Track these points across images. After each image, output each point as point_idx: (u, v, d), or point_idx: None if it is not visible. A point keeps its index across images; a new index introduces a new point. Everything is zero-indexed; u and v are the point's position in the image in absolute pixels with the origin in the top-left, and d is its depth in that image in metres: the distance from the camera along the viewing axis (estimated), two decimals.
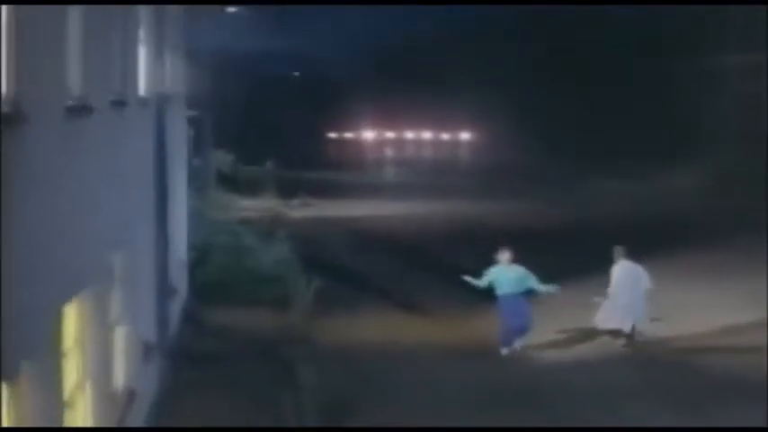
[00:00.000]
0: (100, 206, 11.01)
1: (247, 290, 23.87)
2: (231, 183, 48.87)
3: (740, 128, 55.06)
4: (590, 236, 33.19)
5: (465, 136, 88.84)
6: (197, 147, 48.36)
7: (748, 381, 17.72)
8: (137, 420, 13.67)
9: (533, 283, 19.84)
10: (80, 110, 9.81)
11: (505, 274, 19.70)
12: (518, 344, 19.75)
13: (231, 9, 46.35)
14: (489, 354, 19.74)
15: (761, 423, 15.41)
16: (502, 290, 19.70)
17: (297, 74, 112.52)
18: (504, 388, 17.65)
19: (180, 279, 22.43)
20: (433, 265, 29.21)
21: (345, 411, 16.14)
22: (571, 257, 28.05)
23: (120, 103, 12.68)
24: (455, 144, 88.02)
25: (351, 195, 50.14)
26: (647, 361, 19.32)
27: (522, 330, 19.71)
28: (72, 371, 10.02)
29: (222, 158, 56.65)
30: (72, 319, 9.94)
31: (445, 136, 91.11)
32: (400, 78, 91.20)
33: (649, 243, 27.74)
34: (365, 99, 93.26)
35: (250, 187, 48.05)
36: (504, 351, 19.64)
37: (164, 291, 17.65)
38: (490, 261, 20.15)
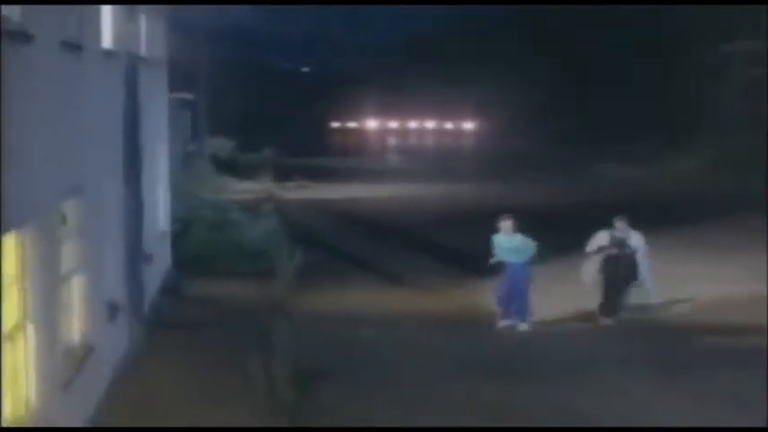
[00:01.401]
0: (44, 146, 10.59)
1: (230, 262, 23.62)
2: (228, 167, 48.47)
3: (741, 113, 54.73)
4: (591, 214, 32.62)
5: (468, 125, 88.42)
6: (194, 129, 48.21)
7: (740, 349, 17.42)
8: (96, 377, 13.29)
9: (533, 251, 19.00)
10: (17, 36, 9.39)
11: (507, 242, 18.95)
12: (520, 321, 18.87)
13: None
14: (471, 322, 19.41)
15: (746, 387, 14.94)
16: (507, 258, 18.92)
17: (306, 69, 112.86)
18: (484, 354, 17.30)
19: (161, 250, 22.12)
20: (424, 243, 28.91)
21: (319, 374, 15.75)
22: (570, 233, 27.52)
23: (73, 46, 12.28)
24: (459, 133, 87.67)
25: (349, 179, 49.67)
26: (635, 330, 18.81)
27: (519, 300, 18.81)
28: (12, 309, 9.63)
29: (221, 144, 56.34)
30: (10, 254, 9.54)
31: (449, 125, 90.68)
32: (404, 69, 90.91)
33: (648, 220, 27.14)
34: (368, 90, 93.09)
35: (247, 171, 47.70)
36: (502, 323, 18.91)
37: (136, 254, 17.25)
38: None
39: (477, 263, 21.52)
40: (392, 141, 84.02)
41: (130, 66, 16.93)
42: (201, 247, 24.23)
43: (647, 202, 37.02)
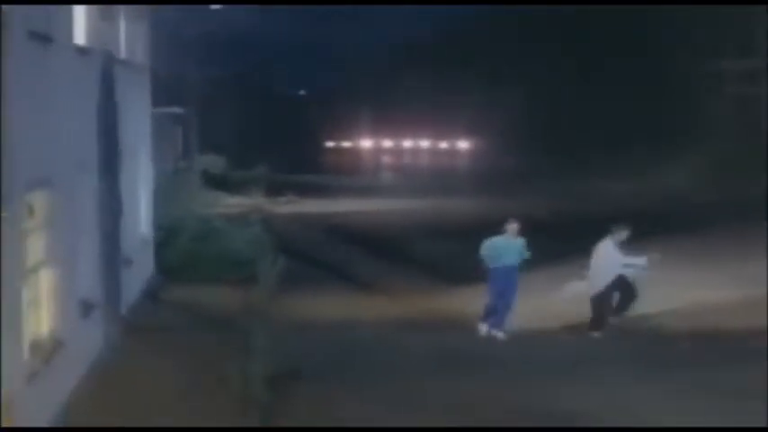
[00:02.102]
0: (8, 134, 10.49)
1: (213, 270, 23.51)
2: (219, 183, 48.43)
3: (732, 128, 54.87)
4: (584, 224, 32.44)
5: (463, 144, 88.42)
6: (185, 145, 48.22)
7: (720, 348, 17.44)
8: (65, 372, 13.17)
9: (526, 257, 18.68)
10: None
11: (511, 245, 18.60)
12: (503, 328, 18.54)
13: (215, 6, 46.12)
14: (445, 326, 19.45)
15: (728, 385, 14.79)
16: (501, 262, 18.55)
17: (302, 92, 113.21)
18: (455, 355, 17.22)
19: (143, 256, 22.07)
20: (406, 255, 28.84)
21: (294, 374, 15.63)
22: (562, 240, 27.44)
23: (42, 38, 12.20)
24: (453, 152, 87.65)
25: (340, 195, 49.64)
26: (620, 332, 18.64)
27: (509, 305, 18.57)
28: None
29: (213, 161, 56.40)
30: None
31: (443, 144, 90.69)
32: (399, 89, 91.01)
33: (640, 231, 26.94)
34: (362, 110, 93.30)
35: (238, 187, 47.59)
36: (496, 333, 18.48)
37: (113, 255, 17.16)
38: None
39: (462, 272, 21.57)
40: (386, 160, 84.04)
41: (107, 65, 16.86)
42: (185, 255, 24.16)
43: (640, 214, 36.87)
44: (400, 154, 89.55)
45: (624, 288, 18.69)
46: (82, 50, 15.03)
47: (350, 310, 21.24)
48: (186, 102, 46.38)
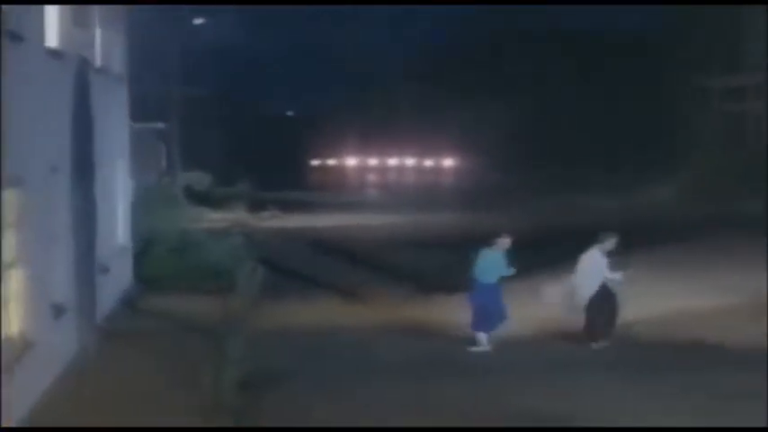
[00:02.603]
0: None
1: (192, 280, 23.46)
2: (203, 200, 48.34)
3: (720, 144, 55.07)
4: (568, 236, 32.41)
5: (448, 162, 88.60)
6: (169, 161, 48.20)
7: (698, 351, 17.53)
8: (35, 372, 13.14)
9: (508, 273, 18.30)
10: None
11: (498, 260, 18.19)
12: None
13: (198, 21, 46.20)
14: (423, 332, 19.41)
15: (704, 390, 14.79)
16: (491, 276, 18.10)
17: (290, 113, 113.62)
18: (429, 358, 17.30)
19: (121, 265, 22.06)
20: (387, 266, 28.71)
21: (268, 378, 15.72)
22: (545, 252, 27.41)
23: (13, 36, 12.23)
24: (439, 170, 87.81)
25: (325, 211, 49.47)
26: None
27: (502, 317, 18.11)
28: None
29: (198, 178, 56.34)
30: None
31: (429, 162, 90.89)
32: (385, 108, 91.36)
33: (625, 243, 26.95)
34: (348, 129, 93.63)
35: (222, 203, 47.44)
36: (486, 344, 18.03)
37: (88, 261, 17.15)
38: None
39: (442, 282, 22.04)
40: (372, 178, 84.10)
41: (81, 70, 16.87)
42: (163, 265, 24.10)
43: (625, 227, 36.86)
44: (386, 171, 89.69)
45: (609, 302, 18.29)
46: (54, 53, 15.05)
47: (328, 317, 21.20)
48: (169, 117, 46.38)
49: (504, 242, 18.42)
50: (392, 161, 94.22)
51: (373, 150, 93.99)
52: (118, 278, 21.18)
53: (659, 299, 22.04)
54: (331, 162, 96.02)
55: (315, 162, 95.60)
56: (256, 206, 46.92)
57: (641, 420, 13.19)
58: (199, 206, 44.85)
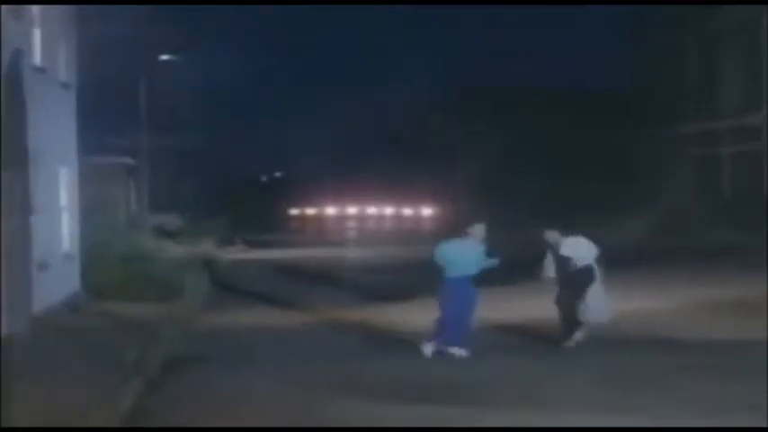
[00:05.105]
0: None
1: (139, 289, 23.52)
2: (172, 236, 48.28)
3: (692, 187, 55.69)
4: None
5: (427, 211, 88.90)
6: (138, 198, 48.25)
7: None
8: None
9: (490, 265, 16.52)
10: None
11: (471, 251, 16.28)
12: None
13: (164, 57, 46.51)
14: (351, 328, 19.77)
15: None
16: (458, 270, 16.20)
17: (266, 178, 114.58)
18: (360, 346, 17.70)
19: (66, 270, 22.22)
20: (346, 284, 28.92)
21: (192, 360, 16.20)
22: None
23: None
24: (417, 218, 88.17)
25: (294, 247, 49.48)
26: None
27: (468, 319, 16.24)
28: None
29: (170, 219, 56.26)
30: None
31: (408, 211, 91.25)
32: (363, 163, 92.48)
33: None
34: (328, 183, 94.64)
35: (191, 238, 47.32)
36: (455, 350, 16.03)
37: (19, 250, 17.25)
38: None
39: (398, 293, 23.48)
40: (351, 224, 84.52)
41: (13, 64, 17.04)
42: (111, 274, 24.19)
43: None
44: (365, 219, 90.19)
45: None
46: None
47: (264, 320, 21.58)
48: (139, 154, 46.50)
49: (478, 230, 16.33)
50: (371, 210, 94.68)
51: (352, 200, 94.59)
52: (61, 281, 21.31)
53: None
54: (310, 211, 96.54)
55: (293, 211, 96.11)
56: (225, 242, 47.03)
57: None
58: (166, 240, 44.80)
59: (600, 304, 17.28)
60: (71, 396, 12.63)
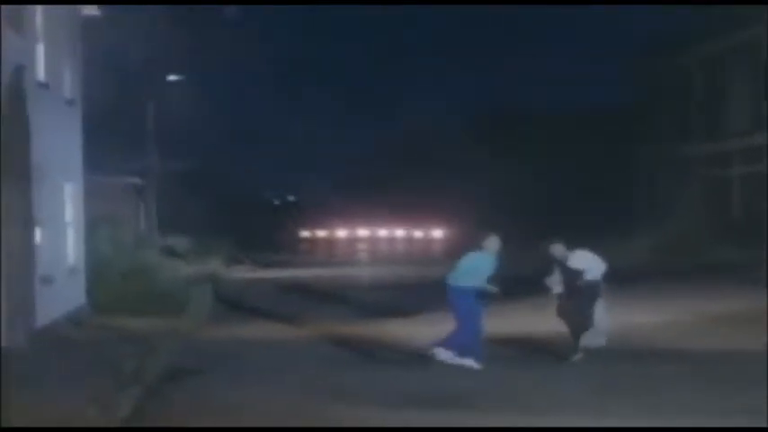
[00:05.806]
0: None
1: (143, 304, 23.65)
2: (181, 256, 48.36)
3: (699, 208, 55.65)
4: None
5: (438, 233, 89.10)
6: (147, 219, 48.36)
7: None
8: None
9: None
10: None
11: (486, 262, 16.38)
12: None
13: (172, 77, 46.69)
14: (350, 342, 19.69)
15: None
16: (470, 280, 16.35)
17: (279, 202, 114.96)
18: (345, 358, 17.86)
19: (71, 285, 22.36)
20: (351, 301, 28.88)
21: (191, 371, 16.25)
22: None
23: None
24: (428, 241, 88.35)
25: (304, 267, 49.38)
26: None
27: (477, 330, 16.28)
28: None
29: (179, 241, 56.33)
30: None
31: (418, 233, 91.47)
32: (374, 186, 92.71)
33: None
34: (338, 208, 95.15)
35: (199, 257, 47.35)
36: (470, 362, 16.01)
37: (23, 262, 17.40)
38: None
39: (402, 309, 23.52)
40: (362, 246, 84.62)
41: (17, 78, 17.23)
42: (115, 289, 24.34)
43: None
44: (376, 242, 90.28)
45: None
46: None
47: (265, 333, 21.72)
48: (147, 177, 46.58)
49: (492, 242, 16.40)
50: (382, 232, 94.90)
51: (363, 222, 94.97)
52: (66, 295, 21.44)
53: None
54: (321, 233, 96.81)
55: (304, 233, 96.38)
56: (233, 261, 47.06)
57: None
58: (175, 260, 44.88)
59: (601, 325, 17.49)
60: (67, 404, 12.78)
